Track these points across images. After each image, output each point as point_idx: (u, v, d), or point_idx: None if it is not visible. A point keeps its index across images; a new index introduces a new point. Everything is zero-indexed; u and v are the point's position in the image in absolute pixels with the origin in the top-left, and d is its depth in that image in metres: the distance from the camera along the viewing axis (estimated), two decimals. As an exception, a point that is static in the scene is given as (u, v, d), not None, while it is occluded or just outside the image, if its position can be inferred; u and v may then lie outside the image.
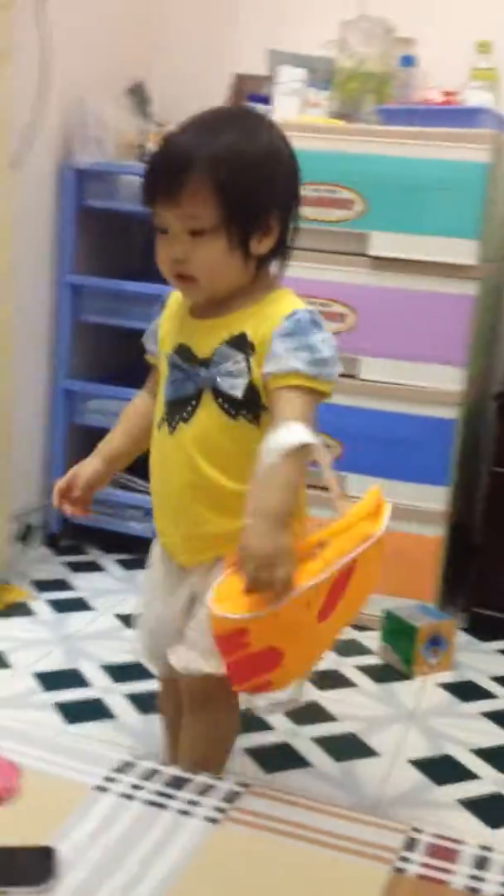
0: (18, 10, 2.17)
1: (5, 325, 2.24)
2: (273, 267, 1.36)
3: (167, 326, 1.39)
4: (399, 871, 1.15)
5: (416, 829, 1.23)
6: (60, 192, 2.64)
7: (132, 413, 1.48)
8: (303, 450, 1.20)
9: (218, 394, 1.31)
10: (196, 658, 1.41)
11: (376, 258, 2.26)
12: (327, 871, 1.17)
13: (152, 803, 1.26)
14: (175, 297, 1.41)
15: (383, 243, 2.24)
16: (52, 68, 2.48)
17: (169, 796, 1.28)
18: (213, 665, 1.41)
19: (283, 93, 2.36)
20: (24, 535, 2.70)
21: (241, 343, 1.29)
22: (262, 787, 1.32)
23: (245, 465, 1.31)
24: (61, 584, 2.52)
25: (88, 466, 1.47)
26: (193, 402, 1.33)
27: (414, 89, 2.37)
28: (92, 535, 2.76)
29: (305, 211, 2.25)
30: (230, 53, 2.87)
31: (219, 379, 1.31)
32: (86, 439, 2.89)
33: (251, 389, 1.30)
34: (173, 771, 1.33)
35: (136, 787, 1.29)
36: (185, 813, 1.24)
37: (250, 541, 1.16)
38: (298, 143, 2.20)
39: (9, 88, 2.17)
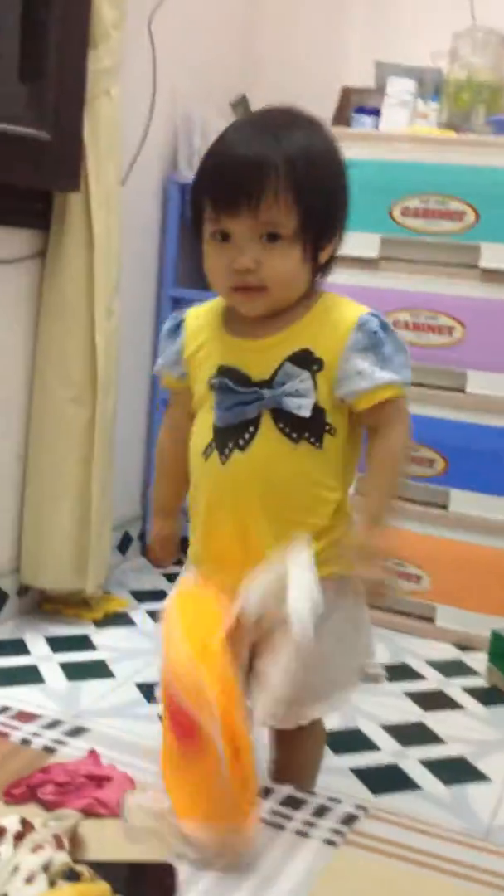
0: (128, 28, 2.20)
1: (113, 338, 2.26)
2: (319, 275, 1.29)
3: (197, 348, 1.30)
4: (526, 904, 1.12)
5: (542, 862, 1.19)
6: (164, 206, 2.67)
7: (172, 462, 1.39)
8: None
9: (279, 416, 1.23)
10: (300, 711, 1.35)
11: (487, 270, 2.22)
12: (450, 899, 1.14)
13: (269, 823, 1.24)
14: (197, 317, 1.32)
15: (494, 255, 2.20)
16: (160, 84, 2.51)
17: (286, 816, 1.26)
18: (317, 709, 1.37)
19: (392, 104, 2.34)
20: (122, 545, 2.72)
21: (305, 359, 1.22)
22: (379, 811, 1.29)
23: (306, 492, 1.26)
24: (159, 595, 2.52)
25: (169, 528, 1.46)
26: (251, 429, 1.24)
27: (526, 99, 2.34)
28: (187, 548, 2.77)
29: (415, 223, 2.26)
30: (335, 66, 2.87)
31: (285, 399, 1.22)
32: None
33: (316, 409, 1.23)
34: (288, 790, 1.32)
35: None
36: (302, 834, 1.23)
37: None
38: (410, 154, 2.22)
39: (120, 105, 2.19)
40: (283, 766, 1.46)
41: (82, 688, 2.00)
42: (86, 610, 2.37)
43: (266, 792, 1.30)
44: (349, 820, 1.26)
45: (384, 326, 1.23)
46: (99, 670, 2.09)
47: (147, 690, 1.99)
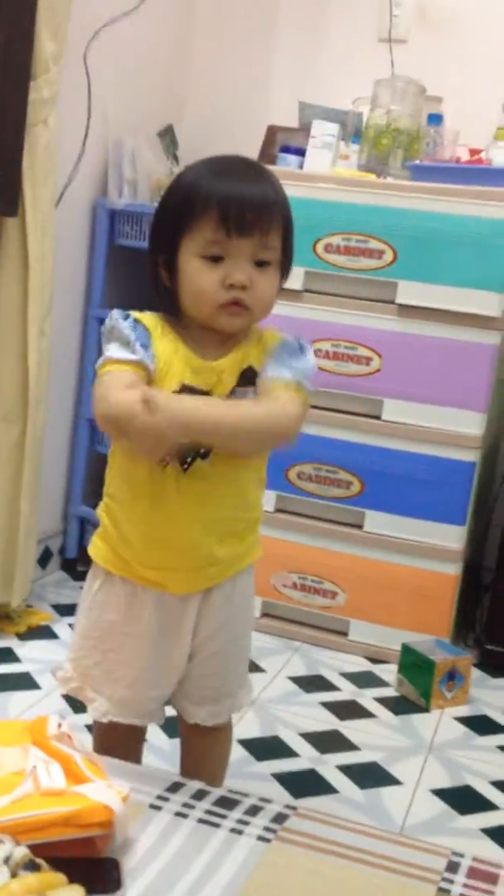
0: (65, 60, 2.27)
1: (44, 357, 2.32)
2: None
3: (159, 359, 1.31)
4: (443, 891, 1.22)
5: (456, 854, 1.30)
6: (93, 229, 2.74)
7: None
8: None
9: None
10: (228, 707, 1.48)
11: (403, 306, 2.36)
12: (376, 889, 1.24)
13: (205, 822, 1.33)
14: (155, 327, 1.33)
15: (410, 292, 2.35)
16: (93, 113, 2.59)
17: (221, 815, 1.34)
18: (242, 700, 1.50)
19: (316, 146, 2.47)
20: (43, 559, 2.76)
21: (251, 376, 1.33)
22: (308, 810, 1.39)
23: (251, 493, 1.40)
24: (81, 609, 2.57)
25: None
26: None
27: (441, 146, 2.49)
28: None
29: (337, 259, 2.39)
30: (259, 103, 3.00)
31: None
32: (105, 468, 2.97)
33: None
34: (221, 791, 1.40)
35: (187, 805, 1.36)
36: (237, 832, 1.31)
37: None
38: (333, 194, 2.35)
39: (56, 133, 2.26)
40: (199, 764, 1.56)
41: (9, 699, 2.05)
42: (8, 623, 2.40)
43: (200, 794, 1.39)
44: (280, 818, 1.35)
45: (300, 346, 1.36)
46: (24, 682, 2.13)
47: (73, 701, 2.05)
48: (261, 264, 1.29)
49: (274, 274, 1.31)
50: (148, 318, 1.34)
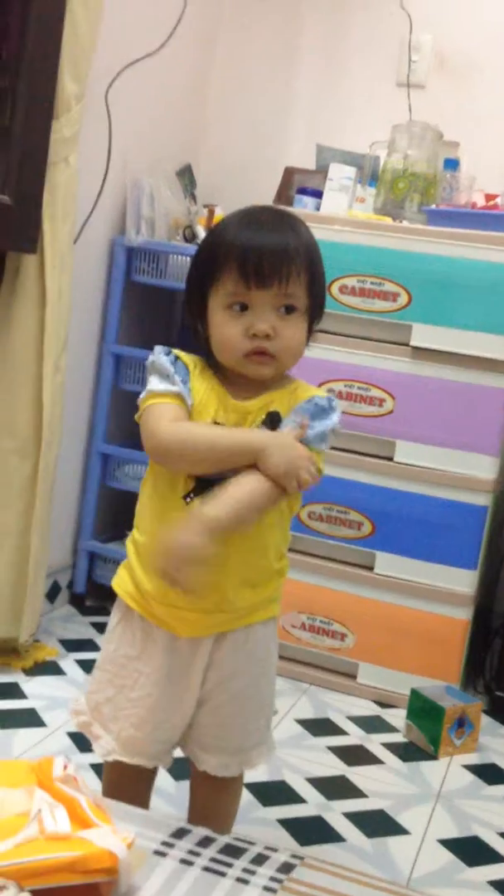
0: (86, 99, 2.30)
1: (59, 393, 2.33)
2: None
3: (198, 393, 1.36)
4: None
5: (464, 908, 1.28)
6: (110, 267, 2.76)
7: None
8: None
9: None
10: (239, 762, 1.46)
11: (417, 348, 2.37)
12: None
13: (210, 870, 1.31)
14: (195, 365, 1.38)
15: (424, 335, 2.35)
16: (113, 152, 2.62)
17: (226, 864, 1.32)
18: (256, 759, 1.48)
19: (333, 188, 2.49)
20: (51, 594, 2.75)
21: (276, 420, 1.35)
22: (314, 860, 1.37)
23: (271, 540, 1.39)
24: (89, 644, 2.56)
25: None
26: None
27: (457, 192, 2.51)
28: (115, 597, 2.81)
29: (352, 300, 2.40)
30: (276, 144, 3.03)
31: None
32: (117, 501, 2.99)
33: None
34: (227, 839, 1.38)
35: (192, 852, 1.34)
36: (242, 881, 1.29)
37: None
38: (349, 237, 2.37)
39: (78, 170, 2.29)
40: (207, 812, 1.53)
41: (14, 736, 2.03)
42: (15, 658, 2.39)
43: (206, 841, 1.37)
44: (286, 868, 1.33)
45: (329, 405, 1.36)
46: (30, 719, 2.12)
47: (78, 740, 2.03)
48: (288, 310, 1.32)
49: (300, 321, 1.34)
50: (188, 357, 1.39)
